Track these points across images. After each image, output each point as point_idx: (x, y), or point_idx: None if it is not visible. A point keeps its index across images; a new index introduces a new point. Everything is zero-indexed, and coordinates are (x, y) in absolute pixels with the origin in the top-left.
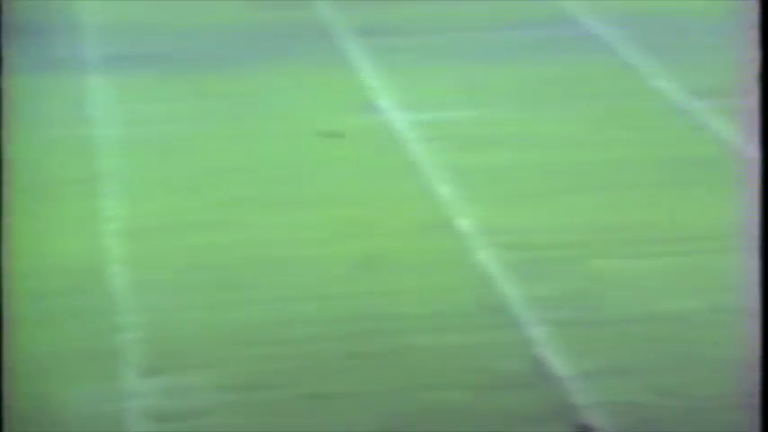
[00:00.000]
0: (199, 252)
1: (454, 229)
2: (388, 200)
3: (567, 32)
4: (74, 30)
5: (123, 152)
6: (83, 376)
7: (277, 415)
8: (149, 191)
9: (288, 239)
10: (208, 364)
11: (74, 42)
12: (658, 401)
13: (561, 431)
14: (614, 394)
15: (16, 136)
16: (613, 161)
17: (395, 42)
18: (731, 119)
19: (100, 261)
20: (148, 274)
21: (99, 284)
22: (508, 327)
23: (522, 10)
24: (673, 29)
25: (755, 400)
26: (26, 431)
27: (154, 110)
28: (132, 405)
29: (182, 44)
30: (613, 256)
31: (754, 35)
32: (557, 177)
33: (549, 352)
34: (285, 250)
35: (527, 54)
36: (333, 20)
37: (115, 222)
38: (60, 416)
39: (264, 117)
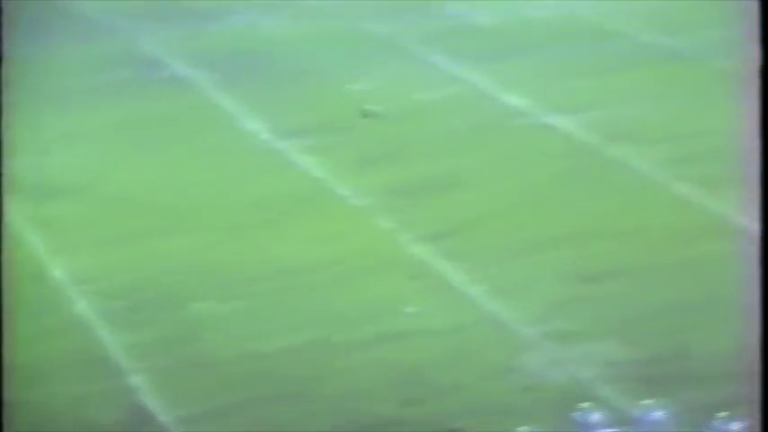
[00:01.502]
0: None
1: (49, 279)
2: None
3: (152, 74)
4: None
5: None
6: None
7: None
8: None
9: None
10: None
11: None
12: None
13: None
14: None
15: None
16: (205, 202)
17: None
18: (319, 156)
19: None
20: None
21: None
22: (108, 376)
23: (101, 52)
24: (259, 68)
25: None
26: None
27: None
28: None
29: None
30: (209, 298)
31: (753, 35)
32: (144, 221)
33: (148, 399)
34: None
35: (109, 98)
36: None
37: None
38: None
39: None
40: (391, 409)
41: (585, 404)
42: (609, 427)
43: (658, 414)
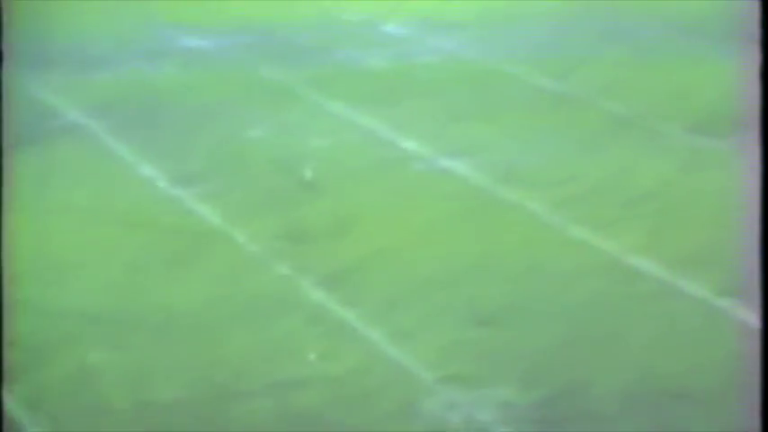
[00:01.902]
0: None
1: None
2: None
3: (46, 123)
4: None
5: None
6: None
7: None
8: None
9: None
10: None
11: None
12: None
13: None
14: None
15: None
16: (99, 248)
17: None
18: (214, 202)
19: None
20: None
21: None
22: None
23: (3, 103)
24: (153, 115)
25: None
26: None
27: None
28: None
29: None
30: (102, 346)
31: (754, 35)
32: (35, 268)
33: None
34: None
35: (15, 150)
36: None
37: None
38: None
39: None
40: None
41: None
42: None
43: None
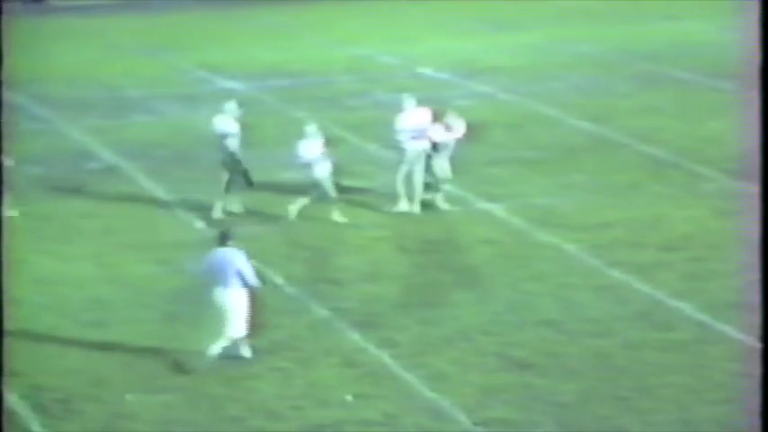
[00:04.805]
0: None
1: None
2: None
3: (88, 166)
4: None
5: None
6: None
7: None
8: None
9: None
10: None
11: None
12: None
13: None
14: None
15: None
16: (135, 292)
17: None
18: (250, 243)
19: None
20: None
21: None
22: None
23: (44, 146)
24: (185, 159)
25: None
26: None
27: None
28: None
29: None
30: (139, 390)
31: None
32: (75, 312)
33: None
34: None
35: (55, 192)
36: None
37: None
38: None
39: None
40: None
41: None
42: None
43: None
